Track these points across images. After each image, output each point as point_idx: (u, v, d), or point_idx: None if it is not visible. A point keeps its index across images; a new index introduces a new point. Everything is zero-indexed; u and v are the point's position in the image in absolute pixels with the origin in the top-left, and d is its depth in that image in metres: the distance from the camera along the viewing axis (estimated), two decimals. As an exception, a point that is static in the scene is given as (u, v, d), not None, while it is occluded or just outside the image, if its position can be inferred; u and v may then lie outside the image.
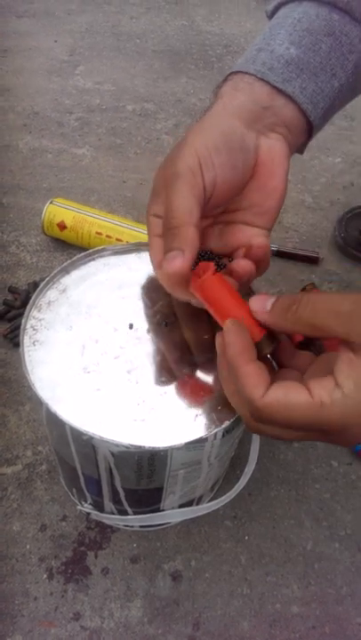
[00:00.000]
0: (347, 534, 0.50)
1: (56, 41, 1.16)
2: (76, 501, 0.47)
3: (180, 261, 0.30)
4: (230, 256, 0.37)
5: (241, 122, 0.35)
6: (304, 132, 0.38)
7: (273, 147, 0.36)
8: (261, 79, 0.36)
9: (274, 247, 0.73)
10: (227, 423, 0.33)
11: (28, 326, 0.38)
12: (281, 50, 0.36)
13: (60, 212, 0.69)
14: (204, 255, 0.38)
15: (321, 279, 0.71)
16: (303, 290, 0.67)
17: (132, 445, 0.32)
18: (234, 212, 0.37)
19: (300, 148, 0.41)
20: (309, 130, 0.38)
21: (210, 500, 0.46)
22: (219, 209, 0.36)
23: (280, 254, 0.73)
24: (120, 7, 1.31)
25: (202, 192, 0.32)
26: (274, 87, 0.35)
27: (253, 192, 0.36)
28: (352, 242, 0.75)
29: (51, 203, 0.70)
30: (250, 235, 0.36)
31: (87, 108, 0.98)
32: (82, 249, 0.64)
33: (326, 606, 0.46)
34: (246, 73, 0.36)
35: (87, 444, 0.34)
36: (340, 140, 0.95)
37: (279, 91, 0.36)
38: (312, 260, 0.73)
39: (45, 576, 0.46)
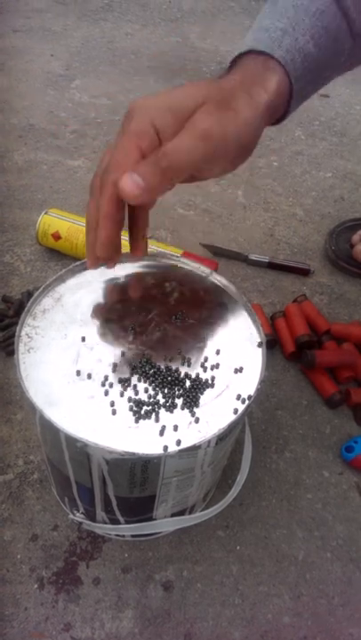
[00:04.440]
0: (338, 544, 0.50)
1: (52, 55, 1.18)
2: (68, 511, 0.47)
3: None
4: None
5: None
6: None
7: None
8: (284, 68, 0.36)
9: (266, 259, 0.74)
10: (220, 430, 0.34)
11: (23, 333, 0.38)
12: (303, 41, 0.37)
13: (55, 222, 0.70)
14: None
15: (312, 291, 0.72)
16: (295, 301, 0.67)
17: (125, 452, 0.32)
18: None
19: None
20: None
21: (202, 510, 0.46)
22: None
23: (272, 266, 0.74)
24: (116, 23, 1.33)
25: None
26: (290, 83, 0.37)
27: None
28: (343, 255, 0.76)
29: (45, 213, 0.71)
30: None
31: (83, 121, 1.00)
32: (76, 259, 0.64)
33: (318, 617, 0.45)
34: (272, 57, 0.36)
35: (81, 452, 0.34)
36: (331, 156, 0.97)
37: (291, 86, 0.37)
38: (303, 272, 0.74)
39: (36, 586, 0.45)
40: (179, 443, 0.33)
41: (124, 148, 0.33)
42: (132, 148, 0.33)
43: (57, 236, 0.70)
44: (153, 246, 0.67)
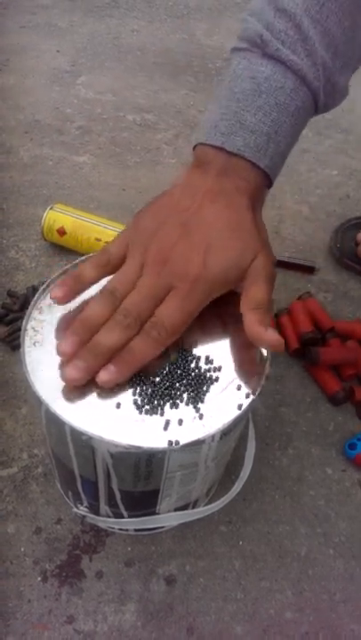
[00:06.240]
0: (341, 541, 0.50)
1: (58, 51, 1.17)
2: (72, 504, 0.47)
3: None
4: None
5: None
6: None
7: None
8: (269, 177, 0.41)
9: (271, 256, 0.74)
10: (224, 425, 0.34)
11: (29, 327, 0.38)
12: (283, 145, 0.41)
13: (60, 217, 0.70)
14: None
15: (317, 288, 0.72)
16: (299, 299, 0.67)
17: (130, 446, 0.32)
18: None
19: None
20: None
21: (205, 505, 0.47)
22: None
23: (277, 263, 0.74)
24: (122, 19, 1.33)
25: None
26: (271, 184, 0.42)
27: None
28: (348, 252, 0.76)
29: (51, 208, 0.71)
30: None
31: (88, 117, 1.00)
32: (81, 255, 0.64)
33: (320, 612, 0.46)
34: (260, 168, 0.39)
35: (86, 445, 0.34)
36: (337, 153, 0.96)
37: (271, 185, 0.42)
38: (308, 270, 0.74)
39: (39, 579, 0.45)
40: (183, 437, 0.33)
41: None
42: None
43: (62, 232, 0.70)
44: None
